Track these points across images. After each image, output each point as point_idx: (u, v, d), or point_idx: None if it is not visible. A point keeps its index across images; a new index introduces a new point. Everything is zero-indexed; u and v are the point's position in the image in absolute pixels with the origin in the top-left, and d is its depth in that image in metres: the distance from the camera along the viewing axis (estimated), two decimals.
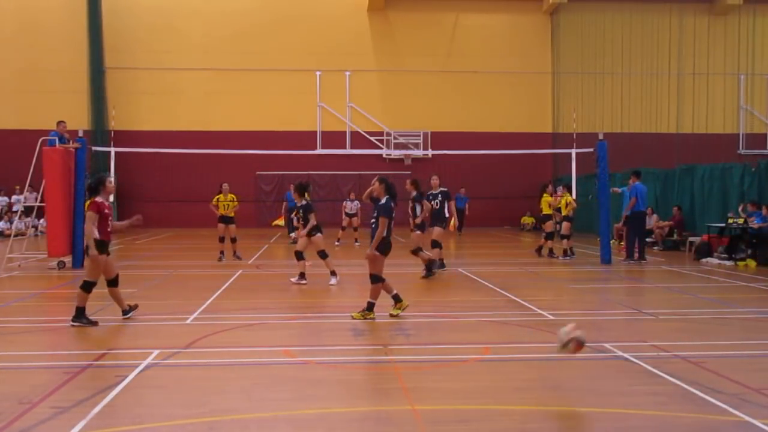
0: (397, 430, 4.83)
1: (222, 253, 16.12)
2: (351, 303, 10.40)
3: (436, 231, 13.56)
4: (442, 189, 13.90)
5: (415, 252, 12.77)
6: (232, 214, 16.22)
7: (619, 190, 17.75)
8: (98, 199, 8.58)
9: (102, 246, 8.50)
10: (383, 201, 9.05)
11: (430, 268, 12.70)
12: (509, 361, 6.76)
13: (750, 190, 17.30)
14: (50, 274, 13.68)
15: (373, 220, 9.00)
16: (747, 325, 8.60)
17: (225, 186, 16.33)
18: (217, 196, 16.26)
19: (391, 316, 8.87)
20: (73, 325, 8.34)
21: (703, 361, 6.57)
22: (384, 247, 8.98)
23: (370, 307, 8.91)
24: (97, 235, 8.45)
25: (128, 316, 8.77)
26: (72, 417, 4.98)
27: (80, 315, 8.44)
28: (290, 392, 5.72)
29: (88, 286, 8.48)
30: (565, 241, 17.01)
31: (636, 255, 16.00)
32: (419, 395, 5.56)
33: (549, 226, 17.44)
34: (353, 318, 8.83)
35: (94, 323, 8.43)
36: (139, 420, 4.98)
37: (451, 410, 5.25)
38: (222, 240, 16.09)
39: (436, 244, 13.55)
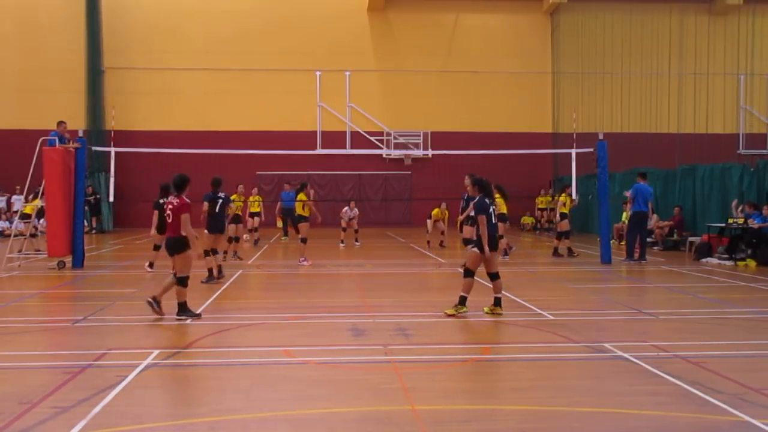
0: (397, 430, 4.83)
1: (225, 252, 16.15)
2: (351, 303, 10.41)
3: (467, 230, 14.72)
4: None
5: (206, 253, 12.84)
6: (240, 213, 16.62)
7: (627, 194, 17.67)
8: (186, 199, 9.00)
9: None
10: (477, 199, 9.17)
11: (211, 273, 12.61)
12: (509, 361, 6.76)
13: (749, 190, 17.31)
14: (50, 274, 13.68)
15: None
16: (747, 325, 8.60)
17: (240, 187, 16.60)
18: (232, 196, 16.32)
19: (447, 314, 9.02)
20: (179, 319, 8.65)
21: (703, 361, 6.57)
22: (488, 244, 9.07)
23: (462, 300, 9.07)
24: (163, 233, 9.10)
25: (155, 307, 8.84)
26: (72, 417, 4.98)
27: (184, 309, 8.75)
28: (290, 392, 5.72)
29: (185, 281, 8.81)
30: (564, 240, 17.19)
31: (636, 255, 16.01)
32: (419, 395, 5.56)
33: (564, 225, 17.47)
34: (446, 314, 8.98)
35: (198, 315, 8.76)
36: (139, 420, 4.98)
37: (451, 410, 5.26)
38: (230, 240, 16.14)
39: (467, 242, 14.59)
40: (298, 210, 15.68)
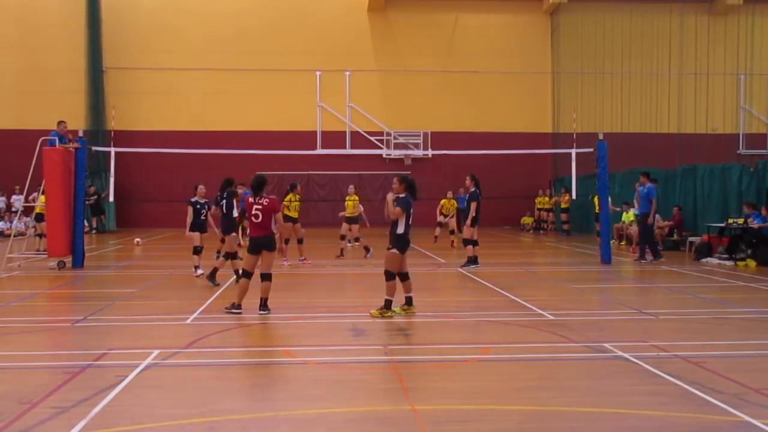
0: (397, 430, 4.83)
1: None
2: (351, 303, 10.41)
3: (467, 230, 14.79)
4: (471, 190, 14.82)
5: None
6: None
7: (619, 208, 17.78)
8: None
9: None
10: (402, 195, 9.18)
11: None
12: (509, 361, 6.75)
13: (748, 190, 17.30)
14: (50, 274, 13.67)
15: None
16: (747, 325, 8.60)
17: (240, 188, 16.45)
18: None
19: (372, 315, 9.00)
20: (260, 313, 9.11)
21: (703, 361, 6.57)
22: (402, 245, 9.09)
23: (387, 304, 9.03)
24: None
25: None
26: (72, 417, 4.98)
27: (266, 305, 9.26)
28: (290, 392, 5.72)
29: (271, 277, 9.34)
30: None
31: (649, 255, 15.95)
32: (419, 395, 5.56)
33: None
34: (371, 315, 8.95)
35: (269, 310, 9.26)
36: (139, 420, 4.98)
37: (451, 410, 5.25)
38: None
39: (467, 242, 14.69)
40: (286, 211, 15.46)
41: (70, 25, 28.72)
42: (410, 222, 9.19)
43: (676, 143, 28.39)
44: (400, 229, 9.09)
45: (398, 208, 9.03)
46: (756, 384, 5.81)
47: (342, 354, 7.09)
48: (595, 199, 17.98)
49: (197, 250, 13.15)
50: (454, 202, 20.53)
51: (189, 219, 13.08)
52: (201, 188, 13.34)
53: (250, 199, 9.41)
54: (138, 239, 21.19)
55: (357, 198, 17.68)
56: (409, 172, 29.99)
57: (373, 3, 30.04)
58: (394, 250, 9.10)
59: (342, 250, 16.99)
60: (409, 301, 9.22)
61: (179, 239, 23.81)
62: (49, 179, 14.20)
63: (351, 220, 17.39)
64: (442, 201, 20.45)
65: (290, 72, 29.85)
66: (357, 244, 20.56)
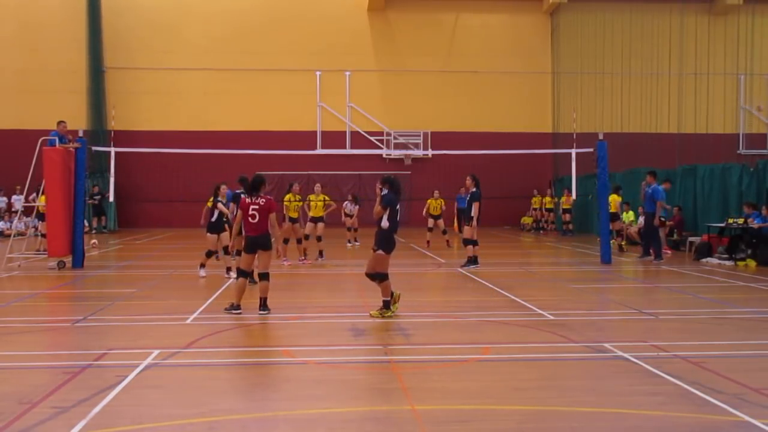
0: (397, 430, 4.83)
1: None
2: (351, 303, 10.41)
3: (467, 230, 14.75)
4: (472, 190, 14.76)
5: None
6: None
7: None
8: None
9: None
10: (386, 192, 9.23)
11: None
12: (509, 361, 6.75)
13: (748, 190, 17.30)
14: (50, 274, 13.67)
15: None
16: (747, 325, 8.60)
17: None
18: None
19: (372, 315, 8.98)
20: (260, 313, 9.07)
21: (703, 361, 6.57)
22: (386, 244, 9.05)
23: (386, 305, 9.02)
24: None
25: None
26: (72, 417, 4.98)
27: (266, 304, 9.22)
28: (290, 392, 5.72)
29: (269, 276, 9.33)
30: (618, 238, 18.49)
31: (652, 253, 16.00)
32: (419, 395, 5.56)
33: (617, 225, 17.65)
34: (371, 316, 8.94)
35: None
36: (139, 420, 4.98)
37: (451, 410, 5.25)
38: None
39: (468, 242, 14.65)
40: (287, 212, 15.39)
41: (70, 24, 28.74)
42: (398, 219, 9.22)
43: (676, 143, 28.39)
44: (384, 224, 9.11)
45: (379, 208, 9.13)
46: (756, 384, 5.82)
47: (342, 354, 7.09)
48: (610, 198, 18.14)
49: (211, 254, 13.09)
50: (442, 201, 20.56)
51: (232, 216, 12.88)
52: (224, 188, 13.24)
53: (247, 199, 9.40)
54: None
55: (325, 197, 17.10)
56: (410, 172, 30.24)
57: (373, 3, 30.05)
58: (380, 252, 9.10)
59: (305, 251, 16.00)
60: (386, 305, 9.07)
61: (179, 239, 23.90)
62: (49, 179, 14.19)
63: (317, 219, 16.78)
64: (429, 201, 20.53)
65: (290, 72, 29.86)
66: (357, 244, 20.63)
